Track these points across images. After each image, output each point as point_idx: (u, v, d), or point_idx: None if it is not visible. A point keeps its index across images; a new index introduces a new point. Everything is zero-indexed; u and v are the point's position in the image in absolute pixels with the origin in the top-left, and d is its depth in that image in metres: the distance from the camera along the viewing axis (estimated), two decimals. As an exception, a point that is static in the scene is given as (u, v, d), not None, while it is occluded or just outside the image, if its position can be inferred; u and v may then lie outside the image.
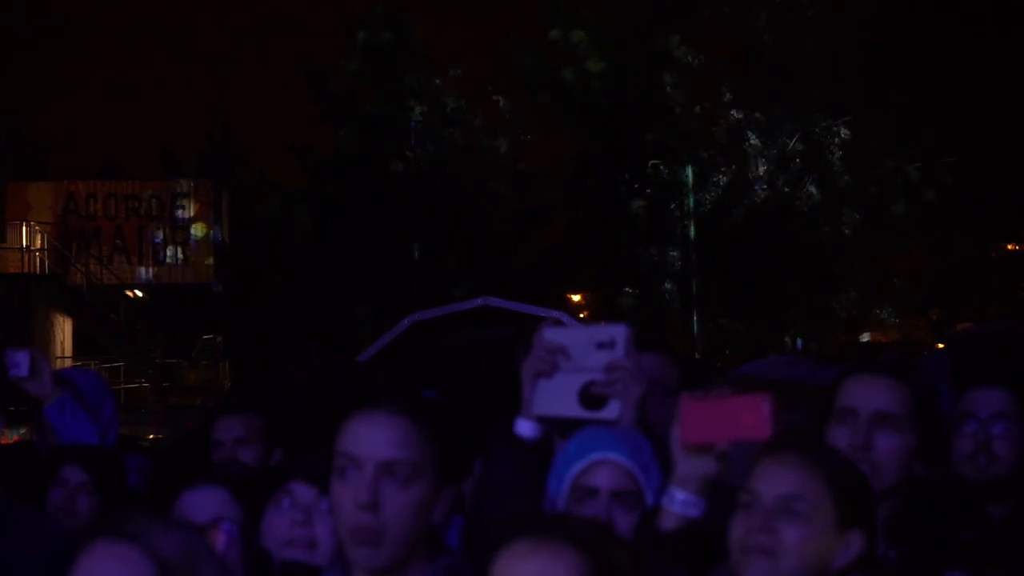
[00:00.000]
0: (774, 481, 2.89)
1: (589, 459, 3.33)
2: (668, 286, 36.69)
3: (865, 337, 36.34)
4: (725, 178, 36.68)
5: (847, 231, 35.92)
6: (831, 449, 3.21)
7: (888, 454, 3.37)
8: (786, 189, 35.81)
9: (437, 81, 39.22)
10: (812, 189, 35.79)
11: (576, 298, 39.17)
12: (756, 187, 36.05)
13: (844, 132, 35.61)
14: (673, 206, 36.38)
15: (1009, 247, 38.33)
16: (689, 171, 36.03)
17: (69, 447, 5.01)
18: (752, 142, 35.97)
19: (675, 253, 36.58)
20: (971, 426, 4.03)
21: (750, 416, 3.03)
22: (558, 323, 3.75)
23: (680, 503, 3.16)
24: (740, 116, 36.28)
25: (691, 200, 36.00)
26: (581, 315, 33.59)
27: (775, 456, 2.94)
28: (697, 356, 28.72)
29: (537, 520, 2.60)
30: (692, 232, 36.09)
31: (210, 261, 36.01)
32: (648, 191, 36.33)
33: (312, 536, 3.39)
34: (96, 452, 5.02)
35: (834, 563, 2.87)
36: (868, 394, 3.45)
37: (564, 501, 3.32)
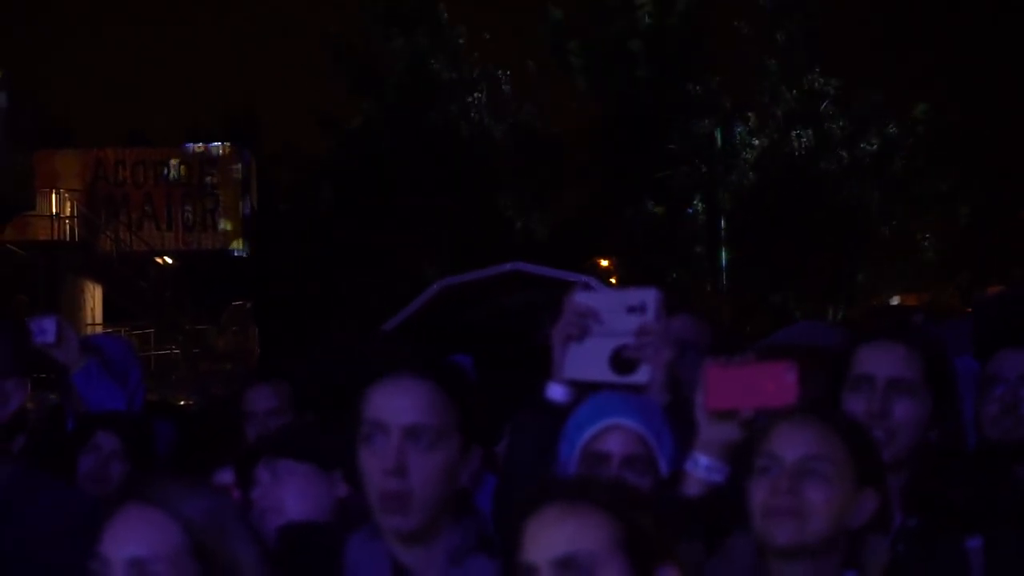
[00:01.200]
0: (793, 443, 2.88)
1: (600, 424, 3.33)
2: (698, 249, 36.70)
3: (895, 300, 36.22)
4: (756, 140, 36.64)
5: (876, 195, 35.90)
6: (841, 411, 3.23)
7: (905, 420, 3.35)
8: (802, 141, 35.73)
9: (460, 40, 39.18)
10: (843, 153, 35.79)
11: (604, 263, 39.10)
12: (792, 138, 35.98)
13: (875, 96, 35.67)
14: (704, 169, 36.37)
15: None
16: (718, 133, 36.01)
17: (102, 414, 5.02)
18: (787, 97, 35.94)
19: (702, 213, 36.59)
20: (998, 388, 4.00)
21: (775, 383, 3.04)
22: (588, 287, 3.75)
23: (704, 468, 3.18)
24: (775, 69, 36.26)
25: (722, 141, 35.98)
26: (611, 280, 33.58)
27: (791, 419, 2.94)
28: (725, 321, 28.70)
29: (566, 484, 2.61)
30: (722, 192, 36.10)
31: (238, 227, 36.12)
32: (681, 152, 36.28)
33: (274, 501, 3.44)
34: (128, 419, 5.04)
35: (852, 523, 2.87)
36: (883, 361, 3.43)
37: (575, 466, 3.32)
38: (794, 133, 36.00)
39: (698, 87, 36.44)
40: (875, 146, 35.85)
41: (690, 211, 36.87)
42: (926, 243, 36.96)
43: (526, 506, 2.47)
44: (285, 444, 3.55)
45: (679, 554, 2.50)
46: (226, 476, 3.83)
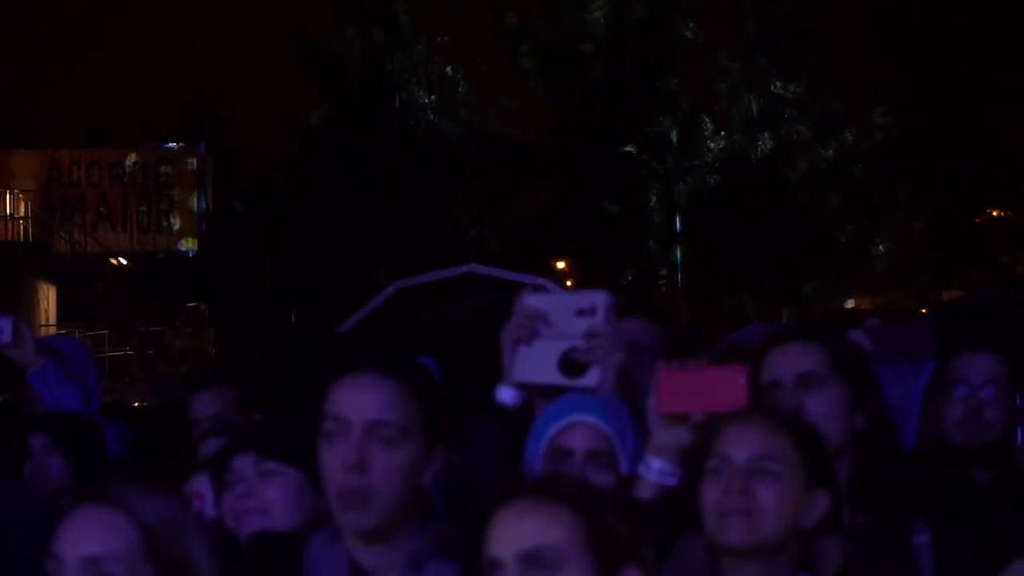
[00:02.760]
0: (744, 443, 2.90)
1: (565, 421, 3.36)
2: (653, 247, 36.70)
3: (850, 303, 36.36)
4: (712, 143, 36.70)
5: (834, 199, 36.02)
6: (792, 411, 3.23)
7: (821, 412, 3.32)
8: (765, 145, 35.86)
9: (420, 47, 39.02)
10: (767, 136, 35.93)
11: (561, 265, 39.08)
12: (754, 146, 36.08)
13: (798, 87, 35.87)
14: (662, 169, 36.39)
15: (995, 213, 38.37)
16: (674, 135, 36.03)
17: (27, 418, 5.03)
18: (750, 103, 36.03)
19: (657, 211, 36.62)
20: (961, 391, 4.03)
21: (727, 387, 3.07)
22: (540, 289, 3.76)
23: (656, 472, 3.20)
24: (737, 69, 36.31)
25: (678, 161, 36.04)
26: (568, 283, 33.55)
27: (741, 419, 2.96)
28: (682, 322, 28.71)
29: (533, 481, 2.64)
30: (680, 194, 36.15)
31: (194, 228, 35.95)
32: (638, 153, 36.27)
33: (262, 502, 3.33)
34: (58, 416, 5.04)
35: (804, 523, 2.89)
36: (786, 361, 3.43)
37: (541, 462, 3.34)
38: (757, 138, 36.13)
39: (656, 83, 36.41)
40: (831, 151, 35.97)
41: (647, 206, 36.81)
42: (882, 248, 37.11)
43: (492, 502, 2.47)
44: (278, 446, 3.41)
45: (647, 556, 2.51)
46: (198, 484, 3.80)
